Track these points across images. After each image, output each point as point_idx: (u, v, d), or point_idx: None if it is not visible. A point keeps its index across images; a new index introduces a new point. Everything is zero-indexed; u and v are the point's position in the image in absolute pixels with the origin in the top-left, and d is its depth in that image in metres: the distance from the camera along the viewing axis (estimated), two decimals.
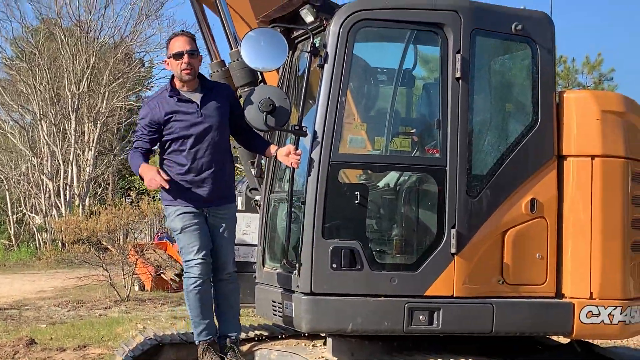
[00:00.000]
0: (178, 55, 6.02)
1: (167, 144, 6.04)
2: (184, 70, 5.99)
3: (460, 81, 6.03)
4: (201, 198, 6.01)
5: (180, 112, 6.00)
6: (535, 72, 6.29)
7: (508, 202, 6.12)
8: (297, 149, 5.92)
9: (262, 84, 6.93)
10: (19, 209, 34.04)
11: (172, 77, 6.13)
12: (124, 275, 16.48)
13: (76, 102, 31.81)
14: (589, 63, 17.07)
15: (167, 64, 6.13)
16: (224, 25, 7.29)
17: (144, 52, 35.81)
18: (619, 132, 6.33)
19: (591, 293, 6.19)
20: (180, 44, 6.06)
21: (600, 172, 6.24)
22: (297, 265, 5.97)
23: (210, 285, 6.15)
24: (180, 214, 6.00)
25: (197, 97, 6.04)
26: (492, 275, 6.10)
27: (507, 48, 6.48)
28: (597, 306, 6.19)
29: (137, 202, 18.01)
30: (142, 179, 6.03)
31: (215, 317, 6.23)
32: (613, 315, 6.21)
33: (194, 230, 5.99)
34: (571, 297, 6.21)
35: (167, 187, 5.84)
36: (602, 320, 6.20)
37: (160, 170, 5.94)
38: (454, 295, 5.98)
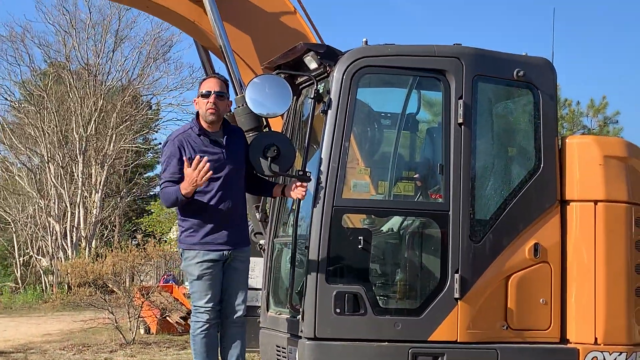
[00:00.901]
0: (206, 95, 6.00)
1: None
2: (209, 109, 5.97)
3: (462, 127, 6.09)
4: (224, 241, 5.99)
5: (208, 152, 5.95)
6: (537, 118, 6.34)
7: (511, 247, 6.14)
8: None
9: (266, 129, 7.00)
10: (26, 251, 34.05)
11: (197, 115, 6.11)
12: (129, 318, 16.42)
13: (84, 145, 31.95)
14: (594, 106, 17.16)
15: (196, 102, 6.10)
16: (229, 71, 7.39)
17: (152, 94, 35.99)
18: (621, 177, 6.36)
19: (596, 338, 6.19)
20: (210, 85, 6.06)
21: (604, 217, 6.27)
22: (301, 309, 5.98)
23: (217, 330, 6.15)
24: (198, 262, 5.97)
25: (222, 139, 6.05)
26: (496, 320, 6.10)
27: (509, 94, 6.55)
28: (602, 352, 6.18)
29: (143, 245, 18.00)
30: (187, 198, 5.83)
31: None
32: None
33: (209, 279, 5.98)
34: (576, 343, 6.20)
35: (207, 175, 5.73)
36: None
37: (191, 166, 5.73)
38: (458, 341, 5.97)
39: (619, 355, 6.19)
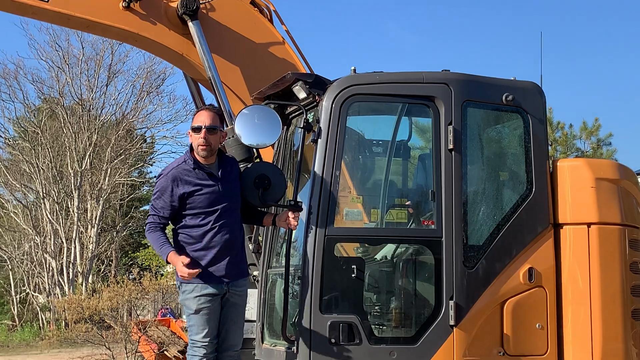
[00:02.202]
0: (197, 129, 5.94)
1: (187, 218, 5.93)
2: (200, 145, 5.91)
3: (453, 152, 6.07)
4: (222, 275, 5.93)
5: (203, 185, 5.91)
6: (527, 142, 6.33)
7: (505, 272, 6.10)
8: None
9: (258, 159, 6.98)
10: (22, 288, 33.91)
11: (191, 147, 6.04)
12: (126, 353, 16.34)
13: (79, 180, 31.94)
14: (587, 128, 17.17)
15: (190, 135, 6.03)
16: (218, 103, 7.38)
17: (146, 128, 36.06)
18: (614, 199, 6.35)
19: None
20: (201, 118, 5.97)
21: (597, 239, 6.24)
22: (295, 340, 5.92)
23: None
24: (197, 296, 5.91)
25: (216, 172, 6.00)
26: (493, 346, 6.05)
27: (499, 119, 6.53)
28: None
29: (139, 279, 17.95)
30: (165, 260, 5.98)
31: None
32: None
33: (207, 314, 5.91)
34: None
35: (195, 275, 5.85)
36: None
37: (186, 260, 5.81)
38: None
39: None
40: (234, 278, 5.98)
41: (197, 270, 5.78)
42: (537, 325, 6.14)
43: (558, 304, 6.21)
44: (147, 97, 34.07)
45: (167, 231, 6.06)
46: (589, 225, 6.25)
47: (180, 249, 5.95)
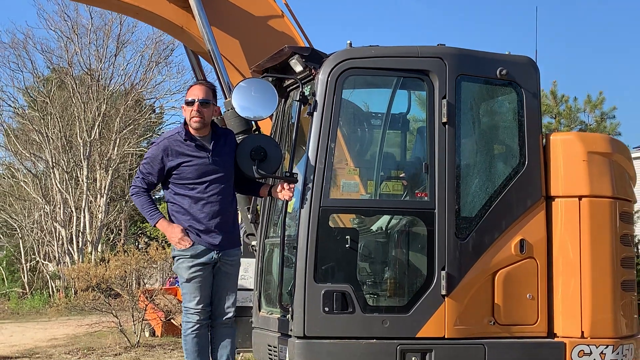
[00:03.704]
0: (190, 103, 6.10)
1: (177, 188, 6.11)
2: (193, 117, 6.07)
3: (446, 126, 6.16)
4: (212, 244, 6.09)
5: (193, 156, 6.07)
6: (521, 116, 6.40)
7: (497, 244, 6.21)
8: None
9: (256, 132, 7.07)
10: (33, 256, 34.18)
11: (185, 121, 6.19)
12: (134, 321, 16.52)
13: (88, 150, 32.04)
14: (591, 101, 17.14)
15: (184, 109, 6.20)
16: (218, 75, 7.47)
17: (154, 98, 36.00)
18: (605, 172, 6.43)
19: (582, 332, 6.26)
20: (194, 92, 6.14)
21: (588, 212, 6.34)
22: (290, 309, 6.06)
23: (208, 330, 6.25)
24: (188, 265, 6.08)
25: (209, 144, 6.13)
26: (484, 316, 6.17)
27: (493, 92, 6.61)
28: (588, 345, 6.25)
29: (146, 248, 18.09)
30: (153, 225, 6.20)
31: None
32: (605, 354, 6.26)
33: (198, 282, 6.08)
34: (563, 337, 6.28)
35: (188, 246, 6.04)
36: (594, 359, 6.25)
37: (179, 229, 6.05)
38: (446, 337, 6.05)
39: (606, 348, 6.26)
40: (224, 248, 6.13)
41: (187, 238, 6.01)
42: (527, 296, 6.25)
43: (549, 275, 6.32)
44: (155, 67, 34.03)
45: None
46: (580, 197, 6.34)
47: (173, 219, 6.14)
